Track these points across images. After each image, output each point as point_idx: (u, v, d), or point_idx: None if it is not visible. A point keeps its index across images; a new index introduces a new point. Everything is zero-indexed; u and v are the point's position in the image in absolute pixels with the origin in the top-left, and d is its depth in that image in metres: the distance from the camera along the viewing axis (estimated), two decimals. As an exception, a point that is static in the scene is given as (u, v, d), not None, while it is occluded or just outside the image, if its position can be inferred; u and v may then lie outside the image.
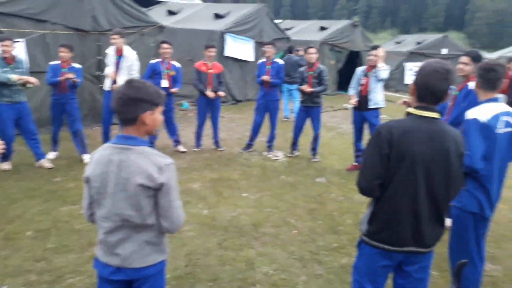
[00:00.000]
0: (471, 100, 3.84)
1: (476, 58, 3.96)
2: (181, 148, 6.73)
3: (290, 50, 10.53)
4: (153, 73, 6.27)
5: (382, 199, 2.02)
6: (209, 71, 6.53)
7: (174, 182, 1.83)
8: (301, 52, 10.45)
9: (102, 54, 7.47)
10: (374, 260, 2.10)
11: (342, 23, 16.85)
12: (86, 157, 5.86)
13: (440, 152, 1.93)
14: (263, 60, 6.71)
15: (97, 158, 1.83)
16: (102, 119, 6.46)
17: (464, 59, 3.99)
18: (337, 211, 4.59)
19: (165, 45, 6.27)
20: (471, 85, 3.58)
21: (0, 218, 4.00)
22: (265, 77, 6.45)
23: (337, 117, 11.24)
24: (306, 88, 6.18)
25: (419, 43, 19.57)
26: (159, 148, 6.75)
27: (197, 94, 7.09)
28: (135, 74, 6.34)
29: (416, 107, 1.99)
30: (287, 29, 16.87)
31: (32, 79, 5.12)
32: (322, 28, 16.29)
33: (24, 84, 5.14)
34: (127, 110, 1.77)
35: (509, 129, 2.56)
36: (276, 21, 18.91)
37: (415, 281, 2.11)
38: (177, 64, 6.50)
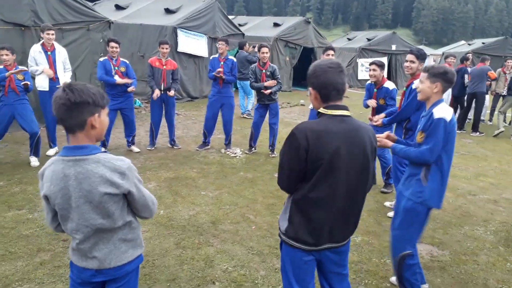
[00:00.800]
0: (413, 98, 4.10)
1: (420, 56, 4.22)
2: (134, 148, 6.54)
3: (241, 46, 10.52)
4: (106, 71, 6.03)
5: (299, 201, 1.99)
6: (163, 67, 6.38)
7: (138, 180, 1.79)
8: (251, 49, 10.48)
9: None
10: (295, 260, 2.07)
11: (295, 19, 17.08)
12: (33, 160, 5.54)
13: (358, 149, 1.95)
14: (216, 56, 6.66)
15: (50, 174, 1.70)
16: (46, 121, 6.10)
17: (410, 57, 4.23)
18: (295, 205, 4.65)
19: (112, 44, 6.05)
20: (416, 83, 3.77)
21: None
22: (220, 70, 6.39)
23: (293, 113, 11.40)
24: (266, 89, 6.24)
25: (369, 39, 20.28)
26: (111, 148, 6.52)
27: (150, 91, 6.90)
28: (69, 69, 6.11)
29: (326, 107, 1.98)
30: (241, 25, 16.86)
31: None
32: (276, 25, 16.44)
33: None
34: (72, 116, 1.64)
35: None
36: (230, 17, 18.89)
37: (334, 268, 2.15)
38: (126, 61, 6.31)
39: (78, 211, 1.70)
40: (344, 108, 1.98)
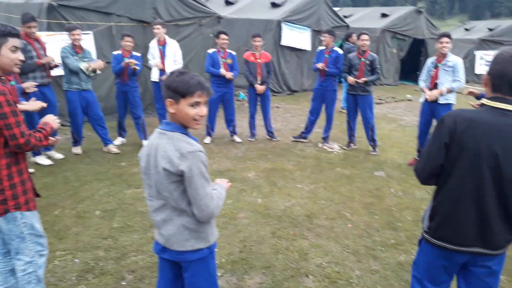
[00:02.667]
0: None
1: None
2: (236, 138, 6.85)
3: (346, 38, 10.22)
4: (213, 63, 6.41)
5: (442, 193, 1.91)
6: (257, 60, 6.55)
7: (198, 170, 1.78)
8: (353, 39, 10.08)
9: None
10: (434, 259, 1.99)
11: (405, 9, 16.06)
12: (145, 143, 6.18)
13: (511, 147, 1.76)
14: (322, 48, 6.59)
15: (148, 141, 1.94)
16: (157, 108, 6.74)
17: None
18: (396, 207, 4.43)
19: (223, 36, 6.38)
20: None
21: (73, 198, 4.35)
22: (320, 65, 6.34)
23: (398, 108, 10.79)
24: (355, 79, 6.02)
25: (491, 29, 18.15)
26: (217, 137, 6.92)
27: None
28: (180, 61, 6.55)
29: (490, 98, 1.83)
30: (346, 17, 16.39)
31: (98, 64, 5.46)
32: (383, 15, 15.64)
33: (94, 71, 5.49)
34: (164, 96, 1.87)
35: None
36: (335, 9, 18.47)
37: (481, 286, 1.97)
38: (233, 52, 6.60)
39: (153, 179, 1.86)
40: (510, 102, 1.79)
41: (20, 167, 2.22)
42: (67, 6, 6.80)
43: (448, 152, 1.83)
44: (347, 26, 13.54)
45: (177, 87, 1.79)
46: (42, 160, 5.29)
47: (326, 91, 6.54)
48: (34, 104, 3.34)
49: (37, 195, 2.42)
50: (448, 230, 1.90)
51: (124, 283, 2.95)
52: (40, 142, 2.23)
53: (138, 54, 6.15)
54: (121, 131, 6.41)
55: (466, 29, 20.37)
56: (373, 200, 4.59)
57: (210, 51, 6.56)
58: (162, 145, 1.81)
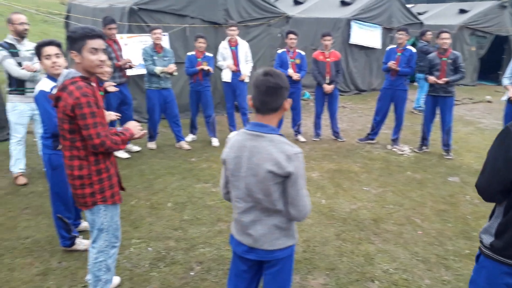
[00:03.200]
0: None
1: None
2: (300, 138, 6.85)
3: (421, 36, 9.71)
4: (282, 63, 6.47)
5: None
6: (327, 59, 6.46)
7: (302, 171, 1.86)
8: (427, 37, 9.52)
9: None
10: (498, 277, 1.82)
11: (487, 4, 14.84)
12: (214, 141, 6.41)
13: None
14: (393, 46, 6.36)
15: (232, 142, 1.96)
16: (226, 108, 6.90)
17: None
18: (472, 215, 4.16)
19: (291, 35, 6.40)
20: None
21: (148, 190, 4.65)
22: (391, 63, 6.11)
23: (476, 110, 10.06)
24: (438, 79, 5.70)
25: None
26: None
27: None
28: (251, 61, 6.66)
29: None
30: (420, 14, 15.57)
31: (171, 68, 5.74)
32: (462, 11, 14.61)
33: (170, 73, 5.80)
34: (274, 99, 1.84)
35: None
36: (408, 5, 17.65)
37: None
38: (302, 52, 6.59)
39: (245, 181, 1.89)
40: None
41: (107, 163, 2.40)
42: (146, 10, 7.24)
43: None
44: (421, 23, 12.87)
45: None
46: (120, 153, 5.71)
47: (396, 90, 6.30)
48: (114, 117, 3.41)
49: (122, 189, 2.62)
50: None
51: (192, 274, 3.10)
52: (116, 145, 2.33)
53: (210, 55, 6.38)
54: (193, 128, 6.69)
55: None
56: (446, 207, 4.34)
57: (280, 51, 6.62)
58: (261, 148, 1.84)
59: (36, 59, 4.57)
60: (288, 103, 1.90)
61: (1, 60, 4.40)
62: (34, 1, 20.18)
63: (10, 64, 4.41)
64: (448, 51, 5.74)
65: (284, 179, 1.84)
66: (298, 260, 3.28)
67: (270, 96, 1.84)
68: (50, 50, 3.07)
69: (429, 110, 6.04)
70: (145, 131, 2.66)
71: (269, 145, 1.84)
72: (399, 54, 6.17)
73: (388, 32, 11.62)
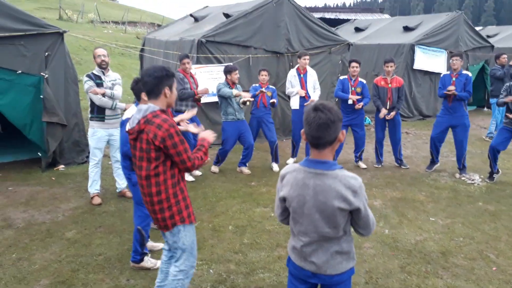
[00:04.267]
0: None
1: None
2: (362, 164, 6.71)
3: (495, 60, 9.22)
4: (343, 88, 6.48)
5: None
6: (388, 85, 6.36)
7: (365, 198, 1.93)
8: (502, 60, 8.97)
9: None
10: None
11: None
12: (275, 166, 6.49)
13: None
14: (448, 72, 6.14)
15: (291, 180, 1.99)
16: (293, 135, 6.96)
17: None
18: (554, 253, 3.79)
19: (353, 64, 6.42)
20: None
21: (210, 212, 4.81)
22: (451, 88, 5.87)
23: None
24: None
25: None
26: (340, 162, 6.89)
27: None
28: (318, 88, 6.73)
29: None
30: (489, 36, 14.79)
31: (247, 95, 5.99)
32: (538, 32, 13.69)
33: (244, 103, 6.04)
34: (329, 133, 1.85)
35: None
36: (477, 28, 16.89)
37: None
38: (364, 81, 6.56)
39: (309, 218, 1.94)
40: None
41: (181, 186, 2.61)
42: (213, 42, 7.67)
43: None
44: (492, 46, 12.23)
45: (341, 116, 1.95)
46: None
47: (454, 117, 6.01)
48: (196, 129, 3.58)
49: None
50: None
51: (252, 297, 3.14)
52: (202, 161, 2.59)
53: (273, 88, 6.58)
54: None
55: None
56: (525, 242, 4.00)
57: (342, 77, 6.65)
58: (326, 186, 1.88)
59: (116, 87, 5.04)
60: (343, 134, 1.93)
61: (87, 89, 4.90)
62: (114, 36, 22.20)
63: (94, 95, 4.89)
64: None
65: (352, 212, 1.92)
66: (360, 291, 3.19)
67: (322, 132, 1.85)
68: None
69: (501, 137, 5.66)
70: (215, 134, 2.84)
71: (334, 183, 1.88)
72: (454, 79, 5.93)
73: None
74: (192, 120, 5.86)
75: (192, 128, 3.32)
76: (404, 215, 4.71)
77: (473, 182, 5.88)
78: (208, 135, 2.76)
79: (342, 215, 1.91)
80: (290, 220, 2.09)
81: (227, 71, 6.03)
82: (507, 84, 5.64)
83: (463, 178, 6.03)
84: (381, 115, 6.41)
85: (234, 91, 5.92)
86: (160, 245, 3.86)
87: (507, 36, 15.05)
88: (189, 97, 5.83)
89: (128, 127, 2.56)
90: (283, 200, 2.06)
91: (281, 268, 3.54)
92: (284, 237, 4.15)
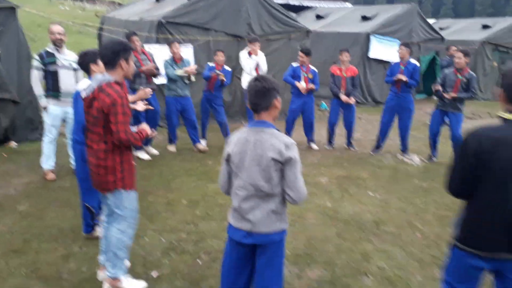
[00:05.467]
0: None
1: None
2: (314, 146, 7.08)
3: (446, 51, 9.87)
4: (294, 74, 6.76)
5: (472, 206, 2.02)
6: (343, 74, 6.72)
7: (298, 158, 2.19)
8: (451, 52, 9.60)
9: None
10: (464, 264, 2.09)
11: (510, 20, 14.77)
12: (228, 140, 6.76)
13: None
14: (397, 61, 6.58)
15: (236, 139, 2.27)
16: (247, 111, 7.22)
17: None
18: (472, 222, 4.29)
19: (301, 54, 6.70)
20: None
21: (165, 188, 4.99)
22: (400, 76, 6.31)
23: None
24: (451, 93, 5.86)
25: None
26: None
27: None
28: (265, 70, 7.02)
29: (509, 111, 1.92)
30: (442, 29, 15.61)
31: (190, 68, 6.11)
32: (485, 27, 14.60)
33: (189, 79, 6.19)
34: (264, 99, 2.19)
35: None
36: (431, 20, 17.61)
37: None
38: (315, 69, 6.87)
39: (248, 171, 2.20)
40: None
41: (129, 155, 2.82)
42: (173, 23, 7.71)
43: (476, 170, 1.93)
44: (442, 38, 12.94)
45: (277, 87, 2.24)
46: (142, 155, 6.10)
47: (401, 102, 6.48)
48: (142, 106, 3.93)
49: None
50: (478, 238, 2.01)
51: (200, 262, 3.39)
52: (136, 141, 2.76)
53: (229, 69, 6.76)
54: (204, 132, 7.01)
55: None
56: (448, 213, 4.47)
57: (295, 64, 6.93)
58: (264, 140, 2.17)
59: (77, 67, 5.05)
60: (278, 102, 2.22)
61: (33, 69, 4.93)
62: (71, 13, 21.33)
63: (34, 76, 4.95)
64: (465, 70, 5.89)
65: (284, 165, 2.16)
66: (299, 255, 3.52)
67: (259, 98, 2.18)
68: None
69: (435, 123, 6.21)
70: (156, 132, 3.03)
71: (270, 138, 2.18)
72: (402, 67, 6.37)
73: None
74: (149, 100, 5.96)
75: (139, 105, 3.49)
76: (346, 191, 5.10)
77: (412, 162, 6.39)
78: (147, 128, 2.94)
79: (276, 168, 2.15)
80: (232, 178, 2.30)
81: (168, 44, 6.17)
82: (445, 72, 6.13)
83: (404, 159, 6.53)
84: (344, 100, 6.73)
85: (178, 71, 6.06)
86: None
87: (458, 29, 15.92)
88: (134, 75, 5.88)
89: (83, 94, 2.72)
90: (227, 159, 2.30)
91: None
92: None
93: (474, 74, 5.93)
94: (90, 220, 3.62)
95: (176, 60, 6.22)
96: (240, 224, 2.27)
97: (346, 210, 4.50)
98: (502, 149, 1.87)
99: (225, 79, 6.50)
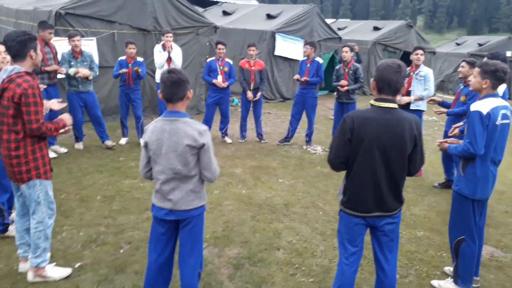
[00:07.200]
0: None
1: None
2: (227, 139, 7.38)
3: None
4: (210, 70, 6.96)
5: (350, 175, 2.48)
6: (252, 68, 7.12)
7: (211, 143, 2.43)
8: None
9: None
10: (349, 224, 2.55)
11: (397, 23, 16.75)
12: (142, 141, 6.69)
13: (395, 137, 2.36)
14: (304, 58, 7.18)
15: (152, 128, 2.45)
16: (159, 109, 7.23)
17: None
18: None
19: (220, 46, 6.93)
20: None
21: (76, 186, 4.86)
22: (297, 76, 6.97)
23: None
24: (343, 84, 6.60)
25: (481, 45, 18.85)
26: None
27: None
28: (178, 65, 7.05)
29: (376, 99, 2.42)
30: (340, 29, 17.06)
31: (83, 71, 5.84)
32: (376, 28, 16.32)
33: (86, 78, 5.93)
34: (178, 90, 2.38)
35: (505, 121, 2.87)
36: (330, 20, 19.03)
37: (386, 240, 2.55)
38: (230, 61, 7.15)
39: (166, 157, 2.40)
40: (391, 101, 2.40)
41: (41, 144, 2.80)
42: (73, 14, 7.34)
43: (351, 144, 2.40)
44: (339, 38, 14.17)
45: (188, 80, 2.45)
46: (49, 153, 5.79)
47: (306, 98, 7.10)
48: (58, 105, 3.77)
49: (51, 170, 2.97)
50: (355, 202, 2.49)
51: (122, 251, 3.46)
52: (50, 132, 2.77)
53: (141, 59, 6.69)
54: (124, 130, 6.88)
55: (458, 44, 21.10)
56: (345, 193, 5.11)
57: (209, 60, 7.11)
58: (178, 129, 2.35)
59: None
60: (190, 93, 2.45)
61: None
62: None
63: None
64: (350, 63, 6.67)
65: (199, 150, 2.39)
66: (218, 237, 3.78)
67: (175, 88, 2.38)
68: (1, 48, 3.32)
69: (337, 114, 6.94)
70: (71, 127, 3.02)
71: (184, 126, 2.38)
72: (308, 65, 7.00)
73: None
74: (49, 94, 5.64)
75: (54, 104, 3.42)
76: (259, 179, 5.49)
77: (315, 152, 7.05)
78: (67, 118, 2.96)
79: (191, 153, 2.38)
80: (151, 164, 2.49)
81: (67, 36, 5.97)
82: (336, 68, 6.88)
83: (309, 149, 7.16)
84: (249, 97, 7.11)
85: (71, 70, 5.81)
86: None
87: (354, 29, 17.54)
88: (36, 73, 5.57)
89: None
90: (146, 146, 2.47)
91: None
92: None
93: (358, 65, 6.78)
94: (0, 219, 3.45)
95: (74, 55, 5.94)
96: (162, 203, 2.48)
97: (259, 196, 4.87)
98: (368, 125, 2.36)
99: (140, 69, 6.43)
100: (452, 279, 3.13)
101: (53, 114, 5.23)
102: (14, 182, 2.83)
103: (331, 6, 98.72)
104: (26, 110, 2.62)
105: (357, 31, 17.12)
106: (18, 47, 2.65)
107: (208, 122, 7.11)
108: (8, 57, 3.39)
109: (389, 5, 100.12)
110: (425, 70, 5.90)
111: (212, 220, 4.12)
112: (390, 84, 2.36)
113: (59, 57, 5.98)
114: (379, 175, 2.40)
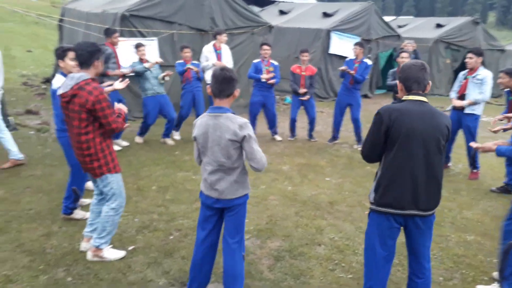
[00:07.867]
0: None
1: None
2: (277, 137, 7.50)
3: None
4: (256, 69, 7.13)
5: (384, 169, 2.46)
6: (302, 73, 7.18)
7: (252, 134, 2.57)
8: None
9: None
10: (381, 224, 2.50)
11: (462, 19, 15.84)
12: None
13: (432, 128, 2.37)
14: (352, 58, 7.11)
15: (199, 123, 2.66)
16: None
17: None
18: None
19: (265, 47, 7.07)
20: None
21: (135, 176, 5.25)
22: (344, 67, 6.89)
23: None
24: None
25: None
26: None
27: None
28: (231, 63, 7.30)
29: (408, 94, 2.45)
30: (401, 26, 16.49)
31: (157, 60, 6.39)
32: (439, 26, 15.56)
33: (162, 78, 6.40)
34: (228, 87, 2.56)
35: None
36: (390, 18, 18.43)
37: (419, 238, 2.53)
38: (275, 62, 7.26)
39: (211, 151, 2.59)
40: (422, 95, 2.45)
41: (107, 142, 3.16)
42: (136, 16, 7.87)
43: (387, 137, 2.41)
44: (398, 36, 13.72)
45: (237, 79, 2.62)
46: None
47: (351, 97, 7.05)
48: (122, 84, 4.15)
49: None
50: (391, 197, 2.43)
51: (171, 237, 3.73)
52: (122, 125, 3.15)
53: (197, 62, 7.04)
54: (179, 126, 7.22)
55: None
56: (394, 194, 5.03)
57: (256, 60, 7.29)
58: (221, 124, 2.52)
59: None
60: (237, 92, 2.62)
61: None
62: (24, 2, 20.60)
63: None
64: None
65: (241, 142, 2.56)
66: (261, 229, 3.93)
67: (225, 84, 2.55)
68: (72, 54, 3.73)
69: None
70: (128, 124, 3.37)
71: (226, 121, 2.56)
72: (356, 65, 6.93)
73: (367, 43, 12.40)
74: (116, 93, 6.12)
75: (119, 85, 3.79)
76: (305, 176, 5.56)
77: (366, 151, 6.94)
78: (122, 106, 3.30)
79: (234, 147, 2.55)
80: (201, 156, 2.72)
81: (134, 47, 6.37)
82: (392, 70, 6.70)
83: (359, 148, 7.06)
84: (302, 92, 7.20)
85: (146, 64, 6.23)
86: (87, 201, 4.26)
87: (414, 27, 16.85)
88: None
89: (60, 91, 2.99)
90: (195, 140, 2.69)
91: (198, 216, 4.12)
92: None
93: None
94: (71, 203, 3.89)
95: (142, 61, 6.37)
96: (209, 192, 2.69)
97: (305, 193, 4.95)
98: (405, 117, 2.37)
99: (198, 69, 6.76)
100: (498, 284, 3.02)
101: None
102: (92, 177, 3.23)
103: (393, 3, 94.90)
104: (103, 114, 2.97)
105: (418, 28, 16.41)
106: (87, 56, 3.01)
107: (253, 120, 7.24)
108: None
109: (457, 1, 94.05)
110: (483, 73, 5.60)
111: (256, 213, 4.27)
112: (418, 82, 2.43)
113: (126, 65, 6.45)
114: (417, 167, 2.38)
